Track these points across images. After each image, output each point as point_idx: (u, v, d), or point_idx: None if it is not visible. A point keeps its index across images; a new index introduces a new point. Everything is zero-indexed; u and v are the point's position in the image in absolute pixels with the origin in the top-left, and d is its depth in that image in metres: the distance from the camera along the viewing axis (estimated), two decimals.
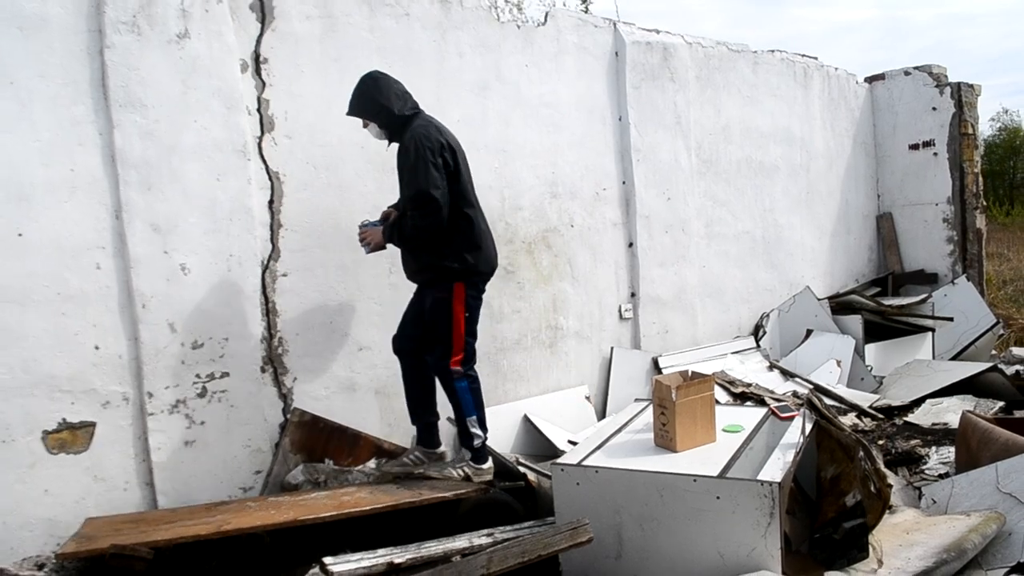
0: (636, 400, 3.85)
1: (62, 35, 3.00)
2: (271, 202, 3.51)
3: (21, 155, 2.92)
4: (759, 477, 2.63)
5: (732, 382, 4.94)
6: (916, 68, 6.97)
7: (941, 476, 3.67)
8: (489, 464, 3.38)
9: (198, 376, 3.27)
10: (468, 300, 3.28)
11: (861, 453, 2.91)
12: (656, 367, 4.98)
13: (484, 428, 3.37)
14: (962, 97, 6.78)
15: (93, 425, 3.07)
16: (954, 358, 6.04)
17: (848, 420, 4.67)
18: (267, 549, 2.81)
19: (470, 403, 3.33)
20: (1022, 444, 3.12)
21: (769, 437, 3.13)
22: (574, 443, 3.90)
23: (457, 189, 3.19)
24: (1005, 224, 13.99)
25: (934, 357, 6.05)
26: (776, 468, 2.70)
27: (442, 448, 3.51)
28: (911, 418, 4.73)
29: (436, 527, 2.97)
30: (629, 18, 5.18)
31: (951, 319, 6.19)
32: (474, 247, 3.26)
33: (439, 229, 3.14)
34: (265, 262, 3.49)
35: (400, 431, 3.90)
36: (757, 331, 5.87)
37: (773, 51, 6.15)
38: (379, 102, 3.20)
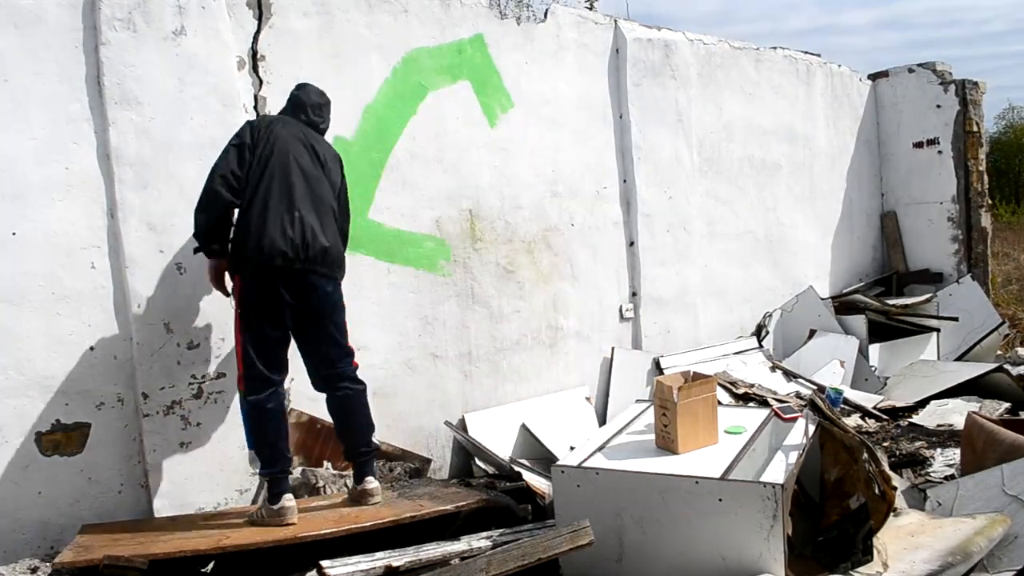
0: (637, 401, 3.82)
1: (58, 32, 2.98)
2: None
3: (15, 153, 2.90)
4: (762, 479, 2.60)
5: (734, 383, 4.90)
6: (920, 65, 6.91)
7: (946, 478, 3.63)
8: (282, 504, 2.84)
9: (194, 377, 3.24)
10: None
11: (865, 455, 2.88)
12: (658, 368, 4.94)
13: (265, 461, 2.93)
14: (967, 95, 6.72)
15: (88, 426, 3.05)
16: (959, 358, 5.99)
17: (852, 421, 4.64)
18: (264, 555, 2.78)
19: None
20: None
21: (772, 439, 3.10)
22: (574, 448, 3.86)
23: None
24: (1011, 223, 13.89)
25: (939, 357, 6.00)
26: (779, 470, 2.67)
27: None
28: (916, 419, 4.69)
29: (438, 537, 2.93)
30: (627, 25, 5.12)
31: (956, 319, 6.13)
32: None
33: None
34: None
35: (399, 431, 3.87)
36: (759, 331, 5.83)
37: (775, 48, 6.11)
38: None
